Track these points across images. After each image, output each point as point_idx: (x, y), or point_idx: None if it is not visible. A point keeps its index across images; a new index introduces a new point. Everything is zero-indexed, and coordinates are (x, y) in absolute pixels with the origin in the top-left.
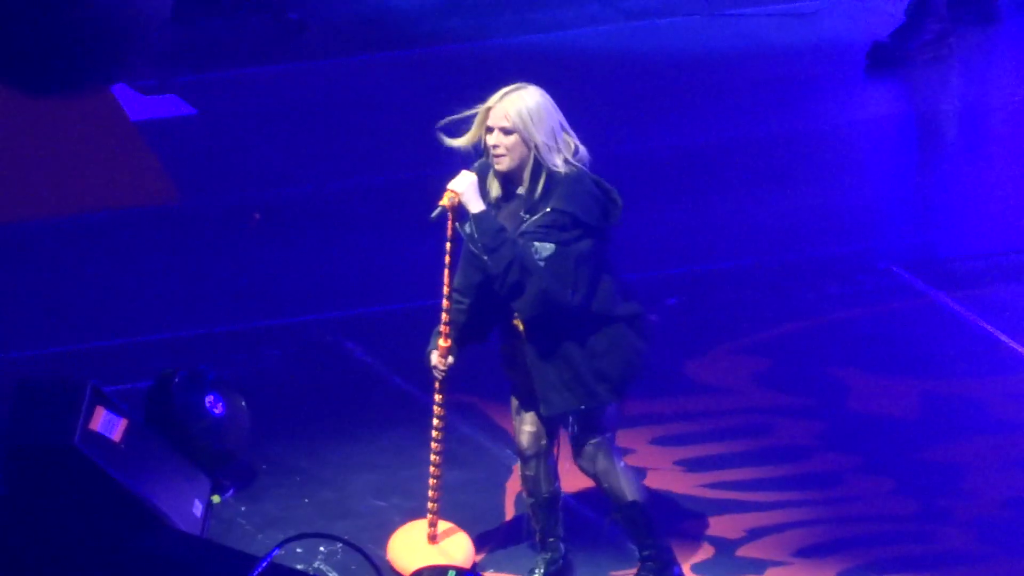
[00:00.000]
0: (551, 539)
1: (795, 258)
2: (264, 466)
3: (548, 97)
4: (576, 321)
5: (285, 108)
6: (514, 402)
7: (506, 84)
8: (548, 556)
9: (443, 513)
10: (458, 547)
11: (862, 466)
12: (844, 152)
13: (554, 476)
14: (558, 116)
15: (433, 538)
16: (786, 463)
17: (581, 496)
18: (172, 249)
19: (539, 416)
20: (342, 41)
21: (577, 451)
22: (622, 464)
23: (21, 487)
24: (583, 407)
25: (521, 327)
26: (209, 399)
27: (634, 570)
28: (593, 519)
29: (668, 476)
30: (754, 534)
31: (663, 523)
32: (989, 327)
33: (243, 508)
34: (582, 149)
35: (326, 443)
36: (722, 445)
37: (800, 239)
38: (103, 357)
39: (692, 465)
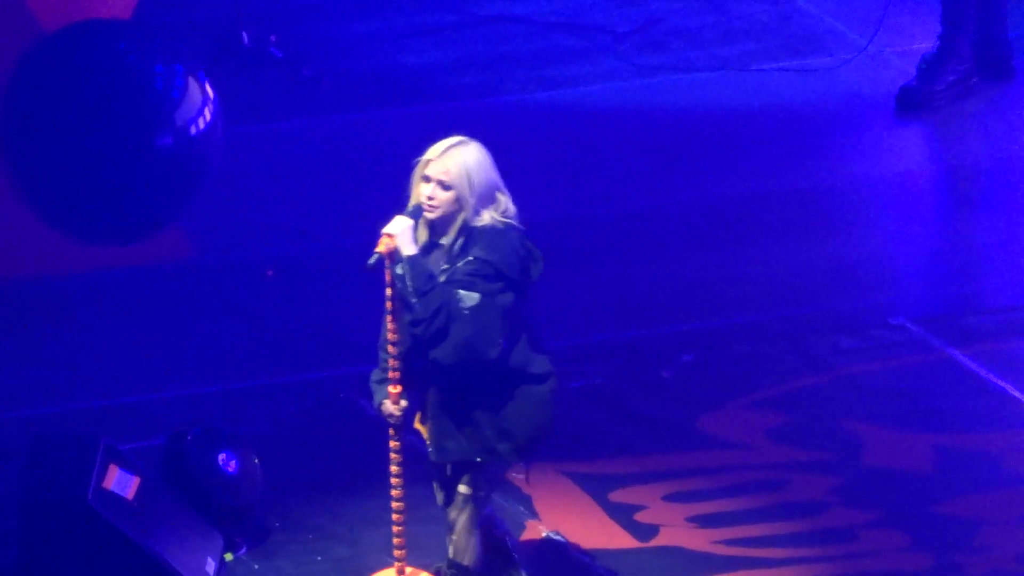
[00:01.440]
0: None
1: (809, 312)
2: (277, 523)
3: (487, 153)
4: (488, 375)
5: (300, 163)
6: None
7: (522, 138)
8: None
9: (415, 558)
10: None
11: (877, 521)
12: (858, 206)
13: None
14: (495, 174)
15: None
16: (800, 519)
17: (593, 554)
18: (186, 305)
19: (454, 475)
20: (356, 97)
21: (442, 495)
22: (478, 530)
23: (34, 545)
24: (478, 459)
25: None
26: (222, 456)
27: None
28: (582, 560)
29: (681, 532)
30: None
31: None
32: (1003, 383)
33: (256, 566)
34: (512, 207)
35: (340, 500)
36: (736, 501)
37: (814, 293)
38: (117, 414)
39: (706, 521)
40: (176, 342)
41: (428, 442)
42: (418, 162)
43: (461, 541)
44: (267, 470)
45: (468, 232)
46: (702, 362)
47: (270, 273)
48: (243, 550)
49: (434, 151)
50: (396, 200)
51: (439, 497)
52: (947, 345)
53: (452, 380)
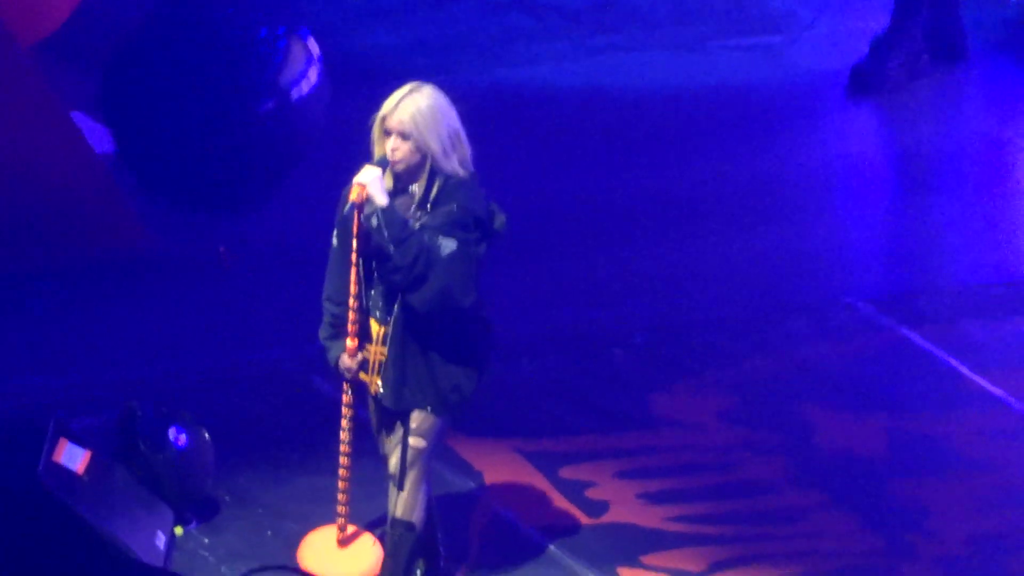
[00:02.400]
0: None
1: (761, 294)
2: (228, 498)
3: (443, 96)
4: (453, 323)
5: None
6: (372, 410)
7: (474, 120)
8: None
9: (357, 518)
10: (366, 551)
11: (827, 502)
12: (810, 189)
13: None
14: (453, 116)
15: (342, 542)
16: (750, 498)
17: (544, 529)
18: (136, 285)
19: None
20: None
21: (391, 451)
22: (426, 487)
23: None
24: (429, 408)
25: (379, 329)
26: (172, 431)
27: None
28: (532, 536)
29: (632, 509)
30: (717, 567)
31: (622, 555)
32: (956, 363)
33: (206, 540)
34: (471, 165)
35: (290, 476)
36: (687, 479)
37: (766, 275)
38: (68, 391)
39: (656, 498)
40: (127, 320)
41: (377, 391)
42: (375, 118)
43: (410, 499)
44: (217, 446)
45: (443, 181)
46: (653, 343)
47: (222, 250)
48: (193, 525)
49: (389, 103)
50: (346, 182)
51: (387, 450)
52: (899, 326)
53: (422, 328)
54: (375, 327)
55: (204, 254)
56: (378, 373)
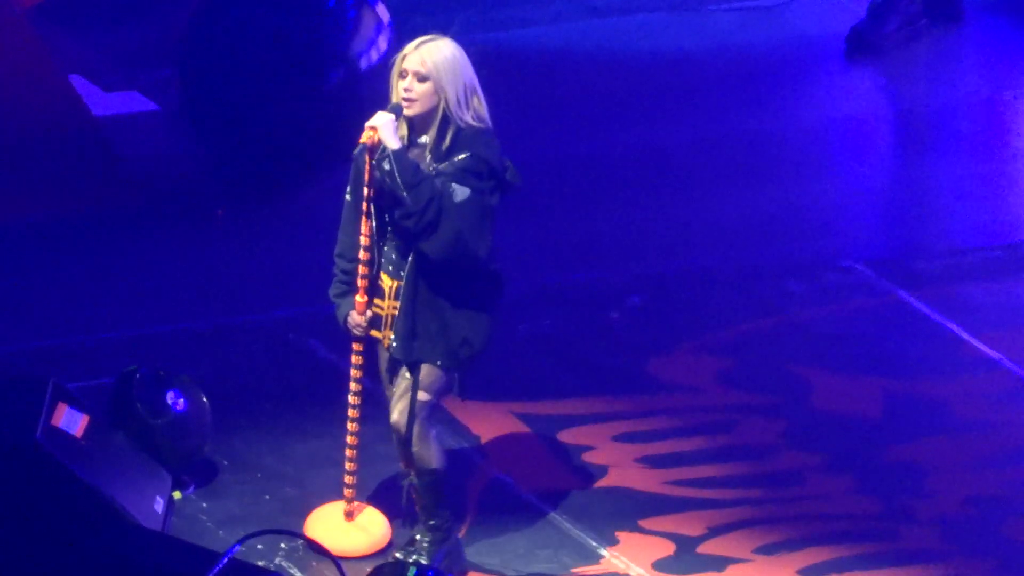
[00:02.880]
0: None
1: (758, 256)
2: (226, 462)
3: (462, 51)
4: (466, 275)
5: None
6: (383, 367)
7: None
8: (424, 532)
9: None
10: (375, 525)
11: (824, 465)
12: (807, 150)
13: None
14: (471, 73)
15: (350, 515)
16: (748, 461)
17: (542, 494)
18: (134, 245)
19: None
20: None
21: (397, 405)
22: (434, 432)
23: None
24: (439, 363)
25: (391, 284)
26: (171, 395)
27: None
28: (531, 501)
29: (630, 473)
30: (716, 531)
31: (621, 519)
32: (953, 326)
33: (205, 505)
34: (488, 120)
35: (288, 440)
36: (684, 442)
37: (764, 237)
38: (65, 354)
39: (654, 462)
40: (123, 283)
41: (390, 345)
42: (395, 60)
43: (422, 449)
44: (216, 410)
45: (456, 131)
46: (651, 305)
47: (220, 213)
48: (191, 489)
49: (410, 46)
50: (345, 143)
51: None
52: (897, 288)
53: (435, 279)
54: (387, 282)
55: (200, 213)
56: (390, 327)
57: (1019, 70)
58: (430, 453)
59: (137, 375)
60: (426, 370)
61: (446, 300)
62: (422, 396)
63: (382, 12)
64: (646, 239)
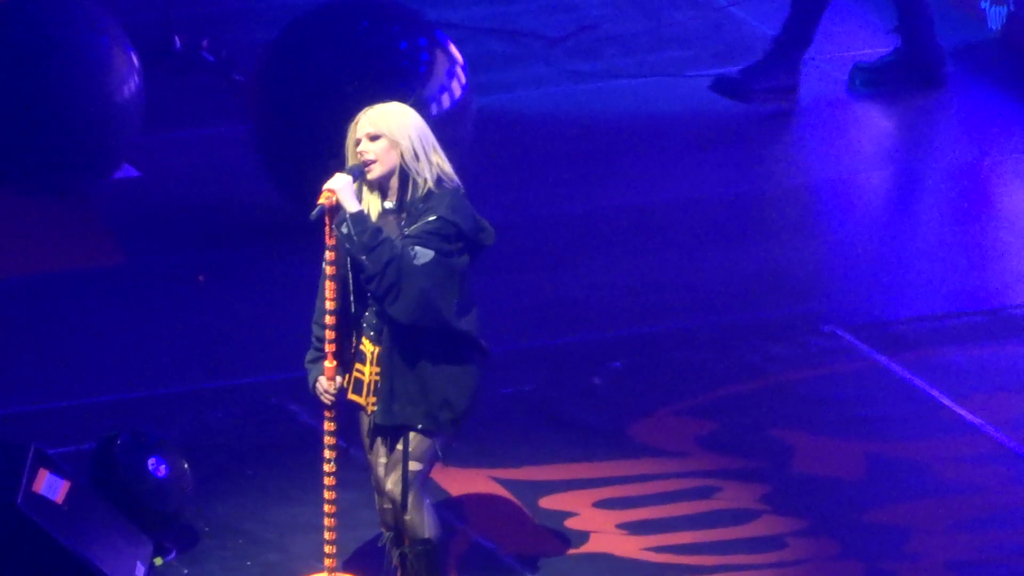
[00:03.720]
0: None
1: (740, 319)
2: (207, 528)
3: (416, 113)
4: (440, 337)
5: (230, 168)
6: (366, 433)
7: (448, 144)
8: None
9: (345, 563)
10: None
11: (807, 529)
12: (788, 214)
13: None
14: (427, 130)
15: None
16: (731, 526)
17: (523, 559)
18: (115, 310)
19: (392, 444)
20: None
21: (389, 475)
22: (427, 501)
23: None
24: (420, 426)
25: (373, 349)
26: (152, 461)
27: None
28: (512, 566)
29: (611, 539)
30: None
31: None
32: (933, 391)
33: (186, 571)
34: (456, 178)
35: (269, 505)
36: (666, 508)
37: (745, 300)
38: (46, 419)
39: (636, 528)
40: (106, 347)
41: (368, 408)
42: (348, 131)
43: (416, 518)
44: (197, 476)
45: (427, 193)
46: (632, 369)
47: (201, 278)
48: (172, 555)
49: (360, 114)
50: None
51: (379, 476)
52: (877, 352)
53: (409, 342)
54: (369, 347)
55: (186, 278)
56: (373, 393)
57: (1002, 136)
58: (424, 522)
59: (118, 440)
60: (415, 439)
61: (426, 363)
62: (414, 466)
63: (455, 54)
64: (628, 302)
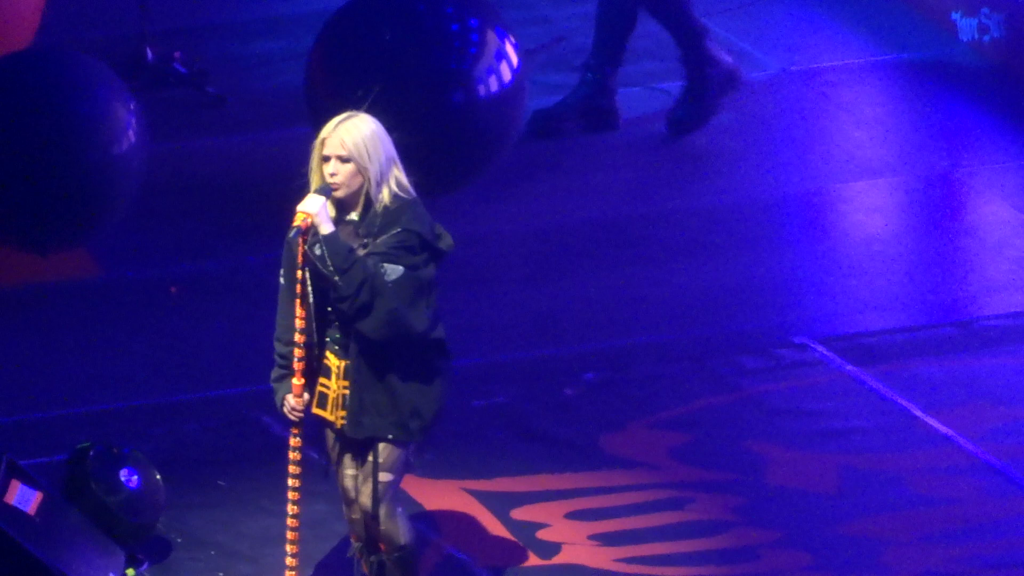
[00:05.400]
0: None
1: (712, 332)
2: (179, 540)
3: (379, 124)
4: (408, 350)
5: (205, 182)
6: (332, 446)
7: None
8: None
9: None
10: None
11: (780, 541)
12: (761, 225)
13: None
14: (390, 146)
15: None
16: (703, 537)
17: (495, 570)
18: (89, 322)
19: (361, 456)
20: (262, 116)
21: (362, 489)
22: (400, 509)
23: None
24: (390, 437)
25: (339, 363)
26: (124, 472)
27: None
28: None
29: (584, 550)
30: None
31: None
32: (905, 402)
33: None
34: (412, 189)
35: (242, 517)
36: (639, 519)
37: (717, 313)
38: (18, 431)
39: (608, 539)
40: (79, 359)
41: (337, 422)
42: (313, 146)
43: (391, 527)
44: (169, 487)
45: (384, 206)
46: (605, 382)
47: (173, 290)
48: (145, 567)
49: (327, 129)
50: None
51: (346, 487)
52: (850, 365)
53: (377, 354)
54: (335, 361)
55: (160, 291)
56: (342, 407)
57: (974, 147)
58: (398, 530)
59: (91, 452)
60: (385, 450)
61: (394, 374)
62: (385, 477)
63: (511, 40)
64: (600, 314)
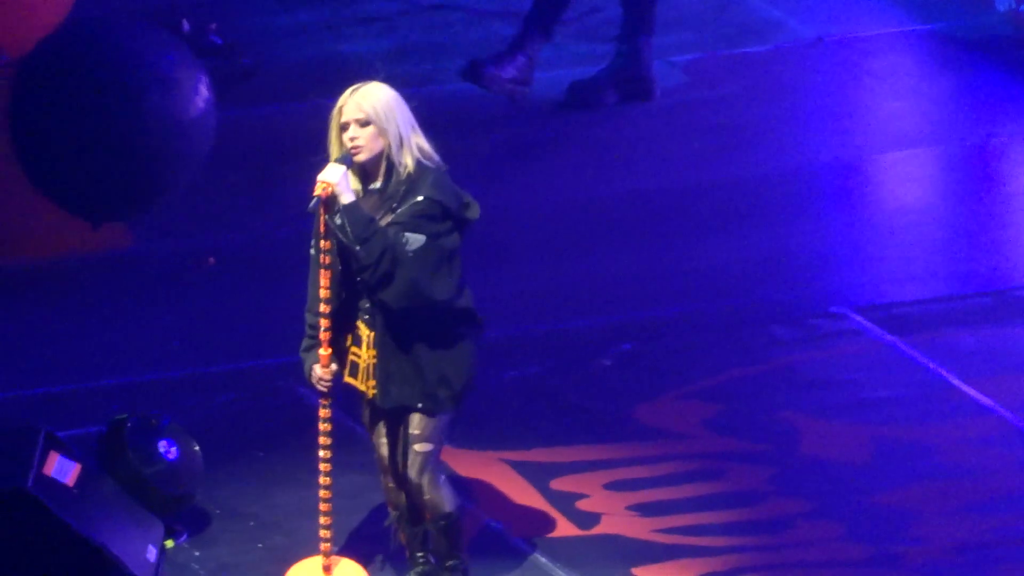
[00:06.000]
0: (419, 554)
1: (746, 302)
2: (217, 511)
3: (397, 94)
4: (432, 316)
5: (237, 152)
6: (366, 415)
7: (459, 127)
8: (417, 571)
9: (351, 546)
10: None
11: (813, 511)
12: (795, 196)
13: None
14: (409, 113)
15: (327, 569)
16: (737, 508)
17: (533, 541)
18: (124, 294)
19: (394, 425)
20: (295, 86)
21: (403, 462)
22: (443, 477)
23: None
24: (419, 406)
25: (369, 333)
26: (162, 444)
27: None
28: (522, 548)
29: (621, 521)
30: None
31: (613, 567)
32: (942, 372)
33: (197, 553)
34: (436, 155)
35: (279, 488)
36: (674, 490)
37: (752, 283)
38: (56, 403)
39: (645, 510)
40: (115, 330)
41: (368, 392)
42: (332, 115)
43: (435, 496)
44: (206, 458)
45: (407, 174)
46: (639, 352)
47: (212, 261)
48: (183, 537)
49: (343, 98)
50: None
51: (382, 456)
52: (886, 334)
53: (401, 323)
54: (365, 331)
55: (190, 260)
56: (372, 377)
57: (1009, 117)
58: (442, 498)
59: (128, 424)
60: (417, 422)
61: (420, 344)
62: (423, 447)
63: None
64: (634, 286)
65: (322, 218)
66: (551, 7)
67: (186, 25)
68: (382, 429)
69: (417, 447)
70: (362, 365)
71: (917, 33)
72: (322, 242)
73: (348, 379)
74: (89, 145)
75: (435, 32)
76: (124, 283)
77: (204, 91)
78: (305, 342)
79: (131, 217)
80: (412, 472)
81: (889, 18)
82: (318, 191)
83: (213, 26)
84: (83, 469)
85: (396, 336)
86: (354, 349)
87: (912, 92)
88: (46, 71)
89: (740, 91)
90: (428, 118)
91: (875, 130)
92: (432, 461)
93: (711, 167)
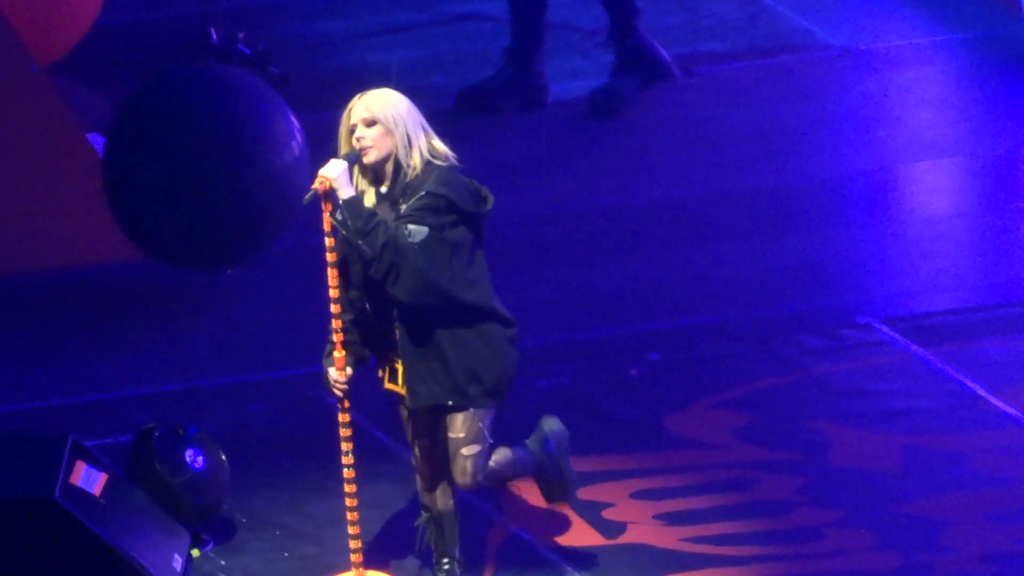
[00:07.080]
0: (445, 560)
1: (776, 312)
2: (245, 520)
3: (408, 100)
4: (452, 312)
5: None
6: (406, 420)
7: (489, 136)
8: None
9: (383, 556)
10: None
11: (843, 521)
12: (825, 205)
13: (452, 494)
14: (419, 115)
15: None
16: (767, 517)
17: (560, 550)
18: (152, 302)
19: (431, 428)
20: (323, 96)
21: (452, 463)
22: (490, 461)
23: (1, 542)
24: (450, 403)
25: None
26: (189, 453)
27: None
28: (549, 557)
29: (648, 530)
30: None
31: (636, 574)
32: (970, 382)
33: (223, 563)
34: (451, 154)
35: (307, 497)
36: (703, 499)
37: (781, 293)
38: (84, 412)
39: (673, 519)
40: (143, 340)
41: (405, 394)
42: (341, 120)
43: (507, 468)
44: (234, 468)
45: (415, 172)
46: (669, 361)
47: (230, 270)
48: (210, 547)
49: (352, 101)
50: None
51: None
52: (914, 345)
53: (422, 320)
54: (399, 336)
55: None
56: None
57: None
58: (505, 477)
59: (156, 433)
60: (460, 422)
61: (441, 340)
62: (470, 450)
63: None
64: (664, 295)
65: (325, 215)
66: (532, 16)
67: (215, 35)
68: (420, 432)
69: (464, 451)
70: (400, 370)
71: (946, 42)
72: (327, 239)
73: (388, 385)
74: (195, 202)
75: (464, 42)
76: (153, 292)
77: (297, 138)
78: (327, 348)
79: (244, 263)
80: (466, 478)
81: (918, 28)
82: (316, 184)
83: (241, 35)
84: (110, 478)
85: (417, 335)
86: (392, 356)
87: (941, 102)
88: (139, 128)
89: (770, 101)
90: (455, 127)
91: (904, 140)
92: (480, 464)
93: (741, 176)
